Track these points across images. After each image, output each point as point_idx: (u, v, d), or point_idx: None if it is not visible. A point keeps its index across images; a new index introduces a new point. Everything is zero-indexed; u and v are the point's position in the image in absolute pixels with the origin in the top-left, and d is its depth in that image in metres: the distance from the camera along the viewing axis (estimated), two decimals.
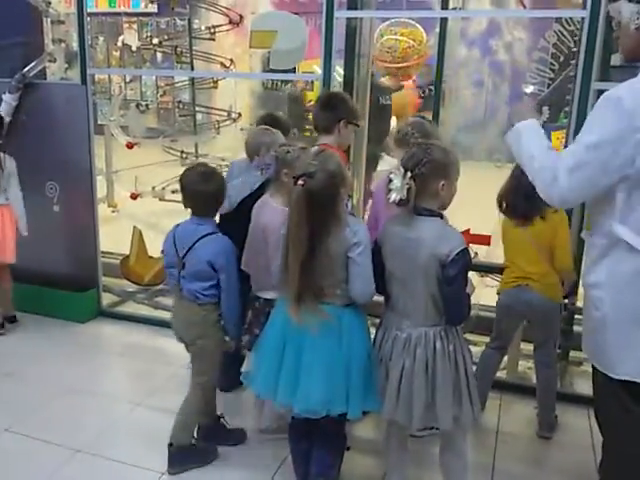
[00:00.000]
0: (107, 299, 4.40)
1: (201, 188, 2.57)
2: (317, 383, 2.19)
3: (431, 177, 2.12)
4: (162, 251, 2.72)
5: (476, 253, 3.55)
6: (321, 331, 2.20)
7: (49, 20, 4.67)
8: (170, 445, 2.68)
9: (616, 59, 3.57)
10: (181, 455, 2.68)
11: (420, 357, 2.14)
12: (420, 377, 2.14)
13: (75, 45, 4.09)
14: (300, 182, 2.11)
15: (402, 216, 2.17)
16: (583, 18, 2.97)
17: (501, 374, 3.37)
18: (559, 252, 2.86)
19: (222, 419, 2.89)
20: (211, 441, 2.80)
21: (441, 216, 2.17)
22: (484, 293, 3.37)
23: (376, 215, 2.94)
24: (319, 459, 2.41)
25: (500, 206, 2.96)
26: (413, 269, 2.14)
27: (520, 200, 2.82)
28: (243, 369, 2.84)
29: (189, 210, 2.64)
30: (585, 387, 3.41)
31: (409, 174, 2.08)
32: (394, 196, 2.09)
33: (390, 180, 2.11)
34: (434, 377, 2.14)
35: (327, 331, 2.21)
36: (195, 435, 2.77)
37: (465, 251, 2.11)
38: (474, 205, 3.36)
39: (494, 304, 3.09)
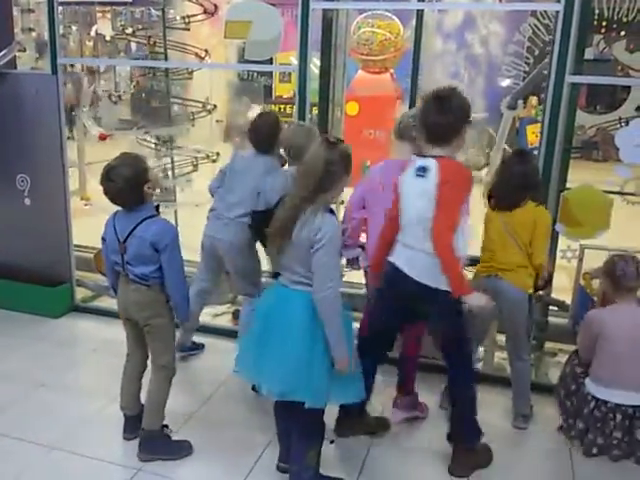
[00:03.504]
0: (81, 294, 4.34)
1: (118, 173, 2.52)
2: (278, 367, 2.28)
3: None
4: (103, 239, 2.68)
5: None
6: (292, 318, 2.29)
7: (19, 9, 4.58)
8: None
9: (590, 53, 3.60)
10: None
11: None
12: None
13: (46, 34, 4.00)
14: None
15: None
16: (558, 12, 2.99)
17: (477, 365, 3.39)
18: (536, 244, 2.88)
19: (166, 428, 2.79)
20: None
21: None
22: None
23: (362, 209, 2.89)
24: (293, 444, 2.47)
25: (489, 199, 3.01)
26: None
27: (508, 190, 2.89)
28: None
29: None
30: None
31: None
32: None
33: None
34: None
35: (298, 318, 2.27)
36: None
37: None
38: None
39: None
